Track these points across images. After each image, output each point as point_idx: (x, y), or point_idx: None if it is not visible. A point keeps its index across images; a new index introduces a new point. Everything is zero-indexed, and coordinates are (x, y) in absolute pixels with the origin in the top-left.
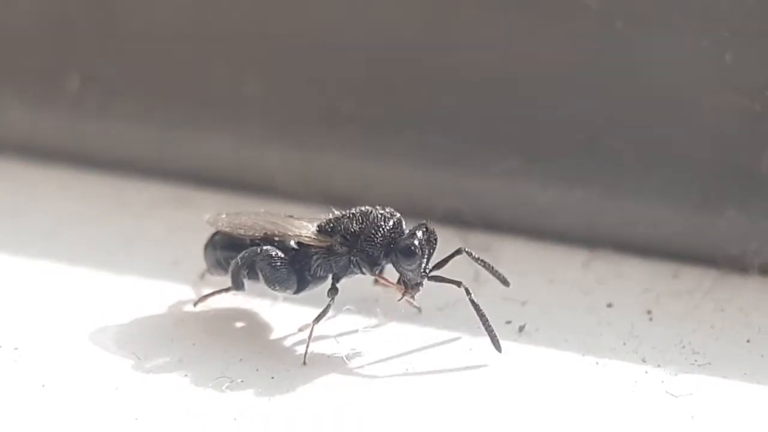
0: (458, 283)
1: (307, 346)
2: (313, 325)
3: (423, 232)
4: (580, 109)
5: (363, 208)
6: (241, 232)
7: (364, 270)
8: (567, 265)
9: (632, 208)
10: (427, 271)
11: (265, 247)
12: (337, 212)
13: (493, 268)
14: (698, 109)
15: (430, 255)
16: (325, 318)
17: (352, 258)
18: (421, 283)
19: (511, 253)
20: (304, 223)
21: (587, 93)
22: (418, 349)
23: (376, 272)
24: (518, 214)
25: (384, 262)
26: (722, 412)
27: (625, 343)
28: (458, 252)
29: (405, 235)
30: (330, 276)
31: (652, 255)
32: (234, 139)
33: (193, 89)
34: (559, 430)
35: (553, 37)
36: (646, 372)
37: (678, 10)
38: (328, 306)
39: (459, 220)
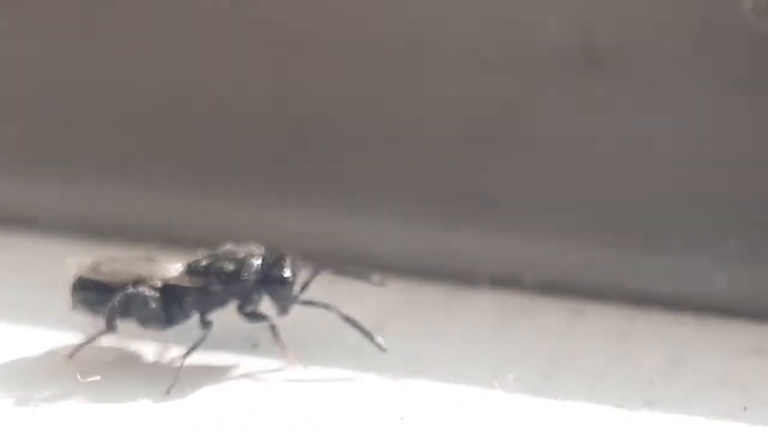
0: (326, 306)
1: (177, 377)
2: (184, 359)
3: (290, 260)
4: None
5: (229, 247)
6: (109, 278)
7: (237, 304)
8: None
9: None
10: (298, 295)
11: (139, 290)
12: (203, 253)
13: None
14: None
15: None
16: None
17: (227, 295)
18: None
19: None
20: (169, 265)
21: None
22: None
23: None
24: None
25: (259, 294)
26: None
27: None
28: (316, 271)
29: (275, 266)
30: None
31: None
32: None
33: None
34: None
35: None
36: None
37: None
38: (204, 338)
39: None
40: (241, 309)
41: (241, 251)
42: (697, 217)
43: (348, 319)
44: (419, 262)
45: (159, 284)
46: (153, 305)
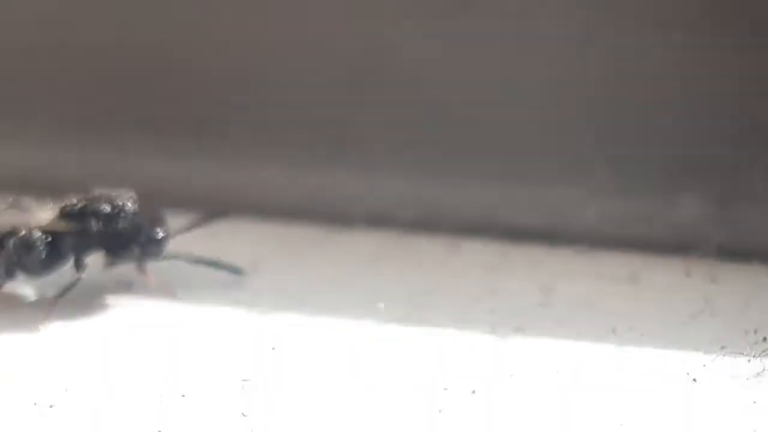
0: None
1: (48, 315)
2: (56, 300)
3: (164, 220)
4: None
5: (103, 192)
6: None
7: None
8: None
9: None
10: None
11: (19, 238)
12: (76, 197)
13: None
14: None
15: None
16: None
17: (102, 239)
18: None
19: None
20: (41, 211)
21: None
22: None
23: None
24: None
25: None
26: None
27: None
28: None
29: (151, 227)
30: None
31: None
32: None
33: None
34: None
35: None
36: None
37: None
38: (78, 280)
39: None
40: (110, 256)
41: (115, 195)
42: (566, 149)
43: (199, 261)
44: (293, 203)
45: (37, 232)
46: (33, 252)
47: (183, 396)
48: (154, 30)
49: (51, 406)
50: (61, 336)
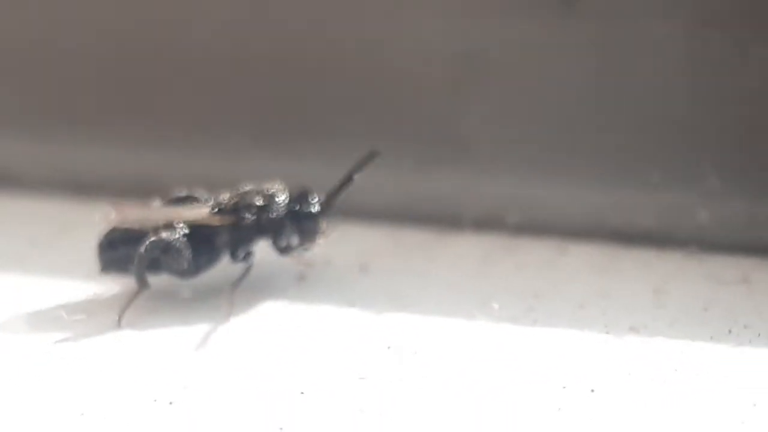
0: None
1: (230, 307)
2: (233, 290)
3: (312, 193)
4: None
5: (252, 186)
6: (138, 225)
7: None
8: None
9: None
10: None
11: (167, 235)
12: (229, 193)
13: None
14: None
15: None
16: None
17: (258, 230)
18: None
19: None
20: (192, 209)
21: None
22: None
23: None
24: None
25: (288, 227)
26: None
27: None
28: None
29: (302, 201)
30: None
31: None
32: None
33: None
34: None
35: None
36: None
37: None
38: (248, 270)
39: None
40: (275, 243)
41: (265, 187)
42: (678, 153)
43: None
44: (402, 206)
45: (186, 229)
46: (183, 250)
47: (302, 393)
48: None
49: (170, 403)
50: (180, 334)
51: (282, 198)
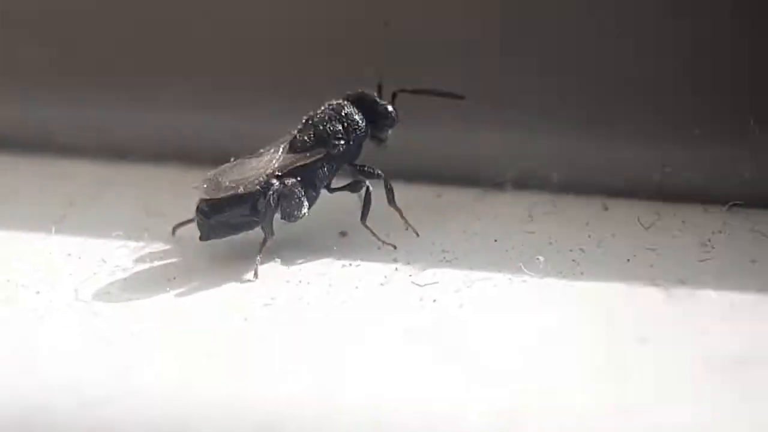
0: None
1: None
2: (364, 223)
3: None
4: None
5: (326, 107)
6: (242, 189)
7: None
8: None
9: None
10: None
11: (282, 184)
12: (301, 125)
13: (436, 91)
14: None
15: None
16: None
17: (349, 150)
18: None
19: None
20: (274, 152)
21: None
22: None
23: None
24: None
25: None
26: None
27: (379, 248)
28: (394, 95)
29: (375, 104)
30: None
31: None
32: None
33: None
34: None
35: None
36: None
37: None
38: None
39: None
40: (355, 167)
41: (330, 108)
42: (720, 110)
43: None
44: (444, 165)
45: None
46: (300, 195)
47: (349, 346)
48: None
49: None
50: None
51: (356, 113)
